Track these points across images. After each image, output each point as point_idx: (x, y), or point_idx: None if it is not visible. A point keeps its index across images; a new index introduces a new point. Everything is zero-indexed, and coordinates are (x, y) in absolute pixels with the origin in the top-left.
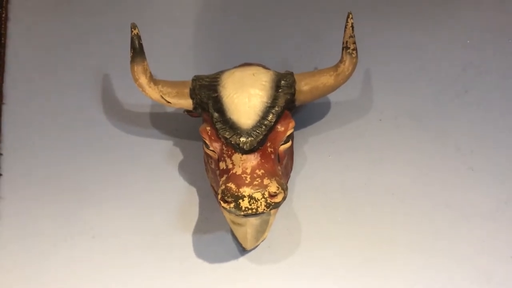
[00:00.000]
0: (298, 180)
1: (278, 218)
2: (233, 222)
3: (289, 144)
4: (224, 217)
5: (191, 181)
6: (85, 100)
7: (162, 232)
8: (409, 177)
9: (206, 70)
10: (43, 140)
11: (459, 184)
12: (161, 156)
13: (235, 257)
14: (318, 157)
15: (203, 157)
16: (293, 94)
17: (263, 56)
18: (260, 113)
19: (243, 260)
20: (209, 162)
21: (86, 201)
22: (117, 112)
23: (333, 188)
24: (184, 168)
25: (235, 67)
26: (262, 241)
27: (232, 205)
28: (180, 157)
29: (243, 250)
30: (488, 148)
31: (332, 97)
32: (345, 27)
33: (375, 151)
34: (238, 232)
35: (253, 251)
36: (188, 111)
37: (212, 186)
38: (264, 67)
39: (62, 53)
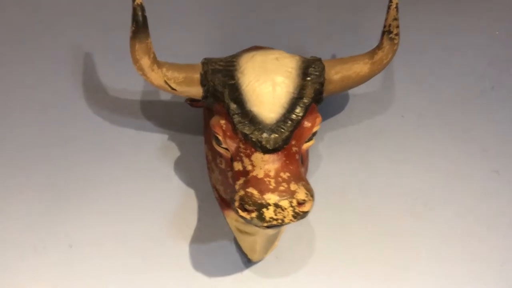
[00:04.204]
0: (312, 182)
1: (288, 225)
2: (240, 231)
3: (312, 142)
4: (228, 223)
5: (189, 182)
6: (63, 84)
7: (154, 241)
8: (431, 180)
9: (210, 52)
10: (13, 132)
11: (483, 189)
12: (154, 152)
13: (239, 270)
14: (334, 156)
15: (204, 153)
16: (322, 84)
17: (274, 38)
18: (286, 106)
19: (248, 273)
20: (218, 161)
21: (63, 203)
22: (101, 99)
23: (349, 191)
24: (181, 167)
25: (245, 50)
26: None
27: (254, 214)
28: (176, 153)
29: (248, 262)
30: None
31: None
32: (388, 8)
33: (397, 151)
34: (245, 242)
35: (259, 263)
36: (191, 100)
37: (215, 188)
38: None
39: (37, 27)
